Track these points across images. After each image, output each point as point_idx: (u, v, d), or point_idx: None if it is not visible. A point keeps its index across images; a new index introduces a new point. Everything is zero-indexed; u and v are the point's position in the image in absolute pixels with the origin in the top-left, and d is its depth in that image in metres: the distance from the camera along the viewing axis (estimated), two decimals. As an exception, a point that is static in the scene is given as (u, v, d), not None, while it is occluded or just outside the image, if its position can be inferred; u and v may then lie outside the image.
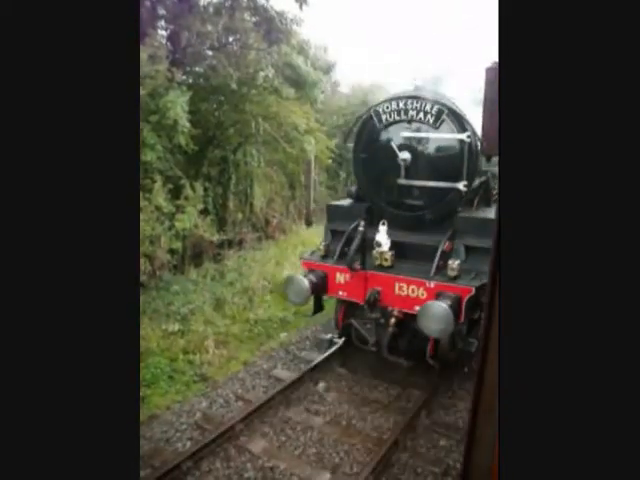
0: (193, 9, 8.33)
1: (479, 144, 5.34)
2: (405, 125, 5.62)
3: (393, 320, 5.42)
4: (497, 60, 2.26)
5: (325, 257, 5.98)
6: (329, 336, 6.97)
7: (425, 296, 5.12)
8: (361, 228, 5.51)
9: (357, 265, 5.48)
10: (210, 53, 9.23)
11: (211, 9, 8.83)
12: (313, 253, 6.23)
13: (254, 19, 9.10)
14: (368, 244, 5.53)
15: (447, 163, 5.58)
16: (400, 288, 5.31)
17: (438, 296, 4.96)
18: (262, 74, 9.62)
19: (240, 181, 11.15)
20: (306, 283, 5.58)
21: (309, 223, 14.24)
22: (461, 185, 5.39)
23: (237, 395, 5.83)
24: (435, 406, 5.62)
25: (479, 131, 3.68)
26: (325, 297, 6.20)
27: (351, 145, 6.25)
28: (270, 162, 12.44)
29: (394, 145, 5.63)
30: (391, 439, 4.84)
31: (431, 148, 5.68)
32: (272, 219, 12.69)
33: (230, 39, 9.53)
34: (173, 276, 8.82)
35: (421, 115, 5.47)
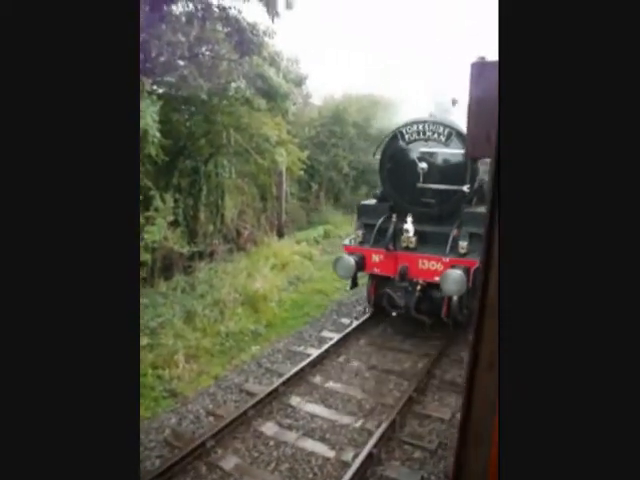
0: (164, 18, 8.25)
1: (481, 163, 7.14)
2: (423, 142, 7.45)
3: (418, 287, 7.16)
4: (482, 55, 2.07)
5: (362, 243, 7.77)
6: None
7: (442, 268, 6.83)
8: (394, 220, 7.45)
9: (391, 247, 7.21)
10: (181, 63, 9.14)
11: (183, 19, 8.75)
12: (350, 241, 8.00)
13: (226, 30, 9.06)
14: (397, 232, 7.31)
15: (454, 171, 7.31)
16: (423, 263, 7.08)
17: (452, 267, 6.67)
18: (233, 85, 9.57)
19: (211, 192, 11.04)
20: (352, 261, 7.29)
21: (281, 234, 14.17)
22: (465, 188, 7.14)
23: (208, 410, 5.69)
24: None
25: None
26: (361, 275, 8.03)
27: (377, 157, 8.11)
28: (241, 173, 12.37)
29: (415, 157, 7.44)
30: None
31: (442, 160, 7.47)
32: (243, 231, 12.58)
33: (201, 49, 9.47)
34: (142, 289, 8.62)
35: (435, 135, 7.32)
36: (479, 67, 1.95)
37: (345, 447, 5.03)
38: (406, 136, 7.59)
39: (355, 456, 4.76)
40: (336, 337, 7.63)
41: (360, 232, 7.89)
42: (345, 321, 8.64)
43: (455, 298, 7.01)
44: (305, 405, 5.84)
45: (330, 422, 5.48)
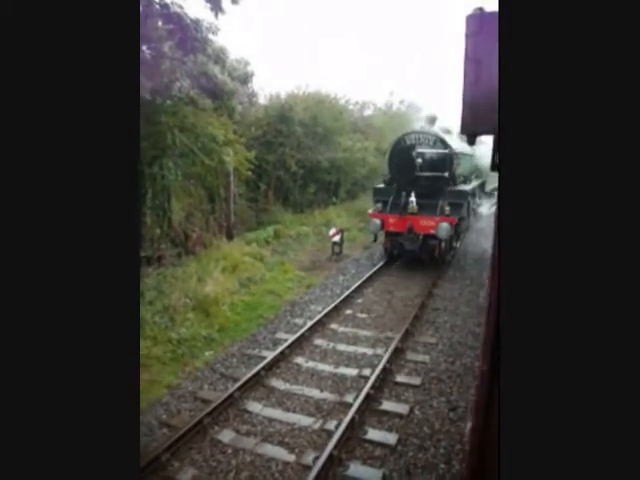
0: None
1: (455, 157, 11.90)
2: (418, 145, 11.65)
3: (420, 237, 11.49)
4: (480, 6, 1.64)
5: (381, 211, 11.97)
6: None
7: (435, 224, 11.13)
8: (404, 194, 11.55)
9: (402, 212, 11.51)
10: (121, 61, 8.75)
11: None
12: (373, 210, 12.23)
13: (168, 27, 8.77)
14: (404, 203, 11.55)
15: (438, 164, 11.54)
16: (422, 222, 11.36)
17: (442, 223, 11.00)
18: (177, 84, 9.29)
19: (157, 195, 10.68)
20: (378, 222, 11.79)
21: (230, 236, 13.92)
22: (446, 174, 11.50)
23: (161, 421, 5.48)
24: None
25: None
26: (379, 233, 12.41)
27: (386, 154, 13.26)
28: (188, 175, 12.04)
29: (414, 155, 11.47)
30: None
31: (430, 157, 11.63)
32: (192, 234, 12.26)
33: (142, 47, 9.13)
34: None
35: (426, 141, 11.74)
36: (477, 21, 1.62)
37: (305, 450, 4.98)
38: (407, 141, 11.92)
39: (316, 458, 4.71)
40: (290, 338, 7.56)
41: (379, 205, 12.06)
42: (298, 321, 8.58)
43: (443, 244, 11.64)
44: (262, 409, 5.74)
45: (289, 425, 5.41)
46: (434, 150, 11.54)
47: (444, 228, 10.95)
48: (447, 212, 11.16)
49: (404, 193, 11.52)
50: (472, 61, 1.61)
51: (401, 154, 11.81)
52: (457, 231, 12.45)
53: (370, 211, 12.39)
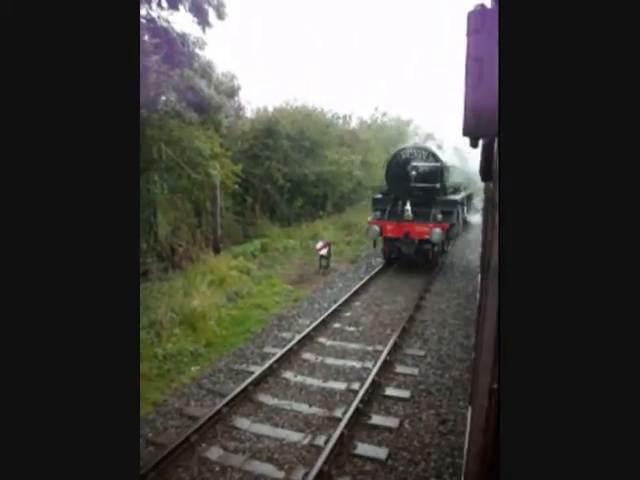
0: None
1: (445, 169, 13.09)
2: (413, 159, 12.91)
3: (415, 242, 12.63)
4: (482, 2, 1.56)
5: (379, 219, 13.15)
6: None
7: (428, 230, 12.30)
8: (400, 203, 12.72)
9: (399, 219, 12.64)
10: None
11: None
12: (372, 218, 13.47)
13: (154, 41, 8.78)
14: (400, 211, 12.69)
15: (430, 176, 12.75)
16: (417, 228, 12.49)
17: (434, 229, 12.16)
18: (163, 98, 9.27)
19: (143, 209, 10.60)
20: (377, 228, 12.95)
21: (217, 250, 13.85)
22: (437, 185, 12.70)
23: (147, 440, 5.37)
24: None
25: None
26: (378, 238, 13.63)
27: (384, 168, 13.96)
28: (174, 189, 12.00)
29: (409, 168, 12.62)
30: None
31: (423, 170, 12.79)
32: (178, 248, 12.18)
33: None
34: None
35: (419, 155, 13.00)
36: (478, 17, 1.51)
37: (294, 466, 4.90)
38: (402, 155, 13.25)
39: (305, 475, 4.64)
40: (279, 352, 7.49)
41: (378, 213, 13.35)
42: (286, 335, 8.52)
43: (436, 248, 12.87)
44: (250, 425, 5.66)
45: (277, 441, 5.34)
46: (427, 163, 12.83)
47: (437, 233, 12.24)
48: (439, 219, 12.48)
49: (400, 202, 12.73)
50: (474, 60, 1.51)
51: (397, 167, 13.08)
52: (448, 236, 13.68)
53: (369, 219, 13.62)
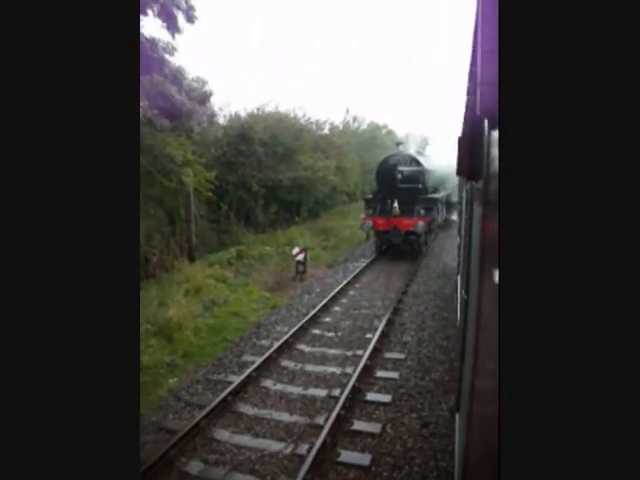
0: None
1: (426, 172, 15.87)
2: (398, 164, 15.36)
3: (402, 233, 14.94)
4: None
5: (371, 215, 15.56)
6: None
7: (413, 222, 14.65)
8: (389, 201, 14.90)
9: (388, 215, 14.89)
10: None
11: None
12: (364, 214, 16.02)
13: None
14: (389, 208, 14.87)
15: (413, 178, 15.19)
16: (404, 222, 14.75)
17: (418, 222, 14.66)
18: (134, 104, 9.10)
19: (114, 218, 10.36)
20: (371, 223, 15.32)
21: (192, 258, 13.63)
22: (420, 186, 15.34)
23: (124, 455, 5.19)
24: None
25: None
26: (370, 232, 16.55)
27: (374, 172, 16.64)
28: (146, 197, 11.76)
29: (396, 172, 15.07)
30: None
31: (407, 173, 15.16)
32: (152, 257, 11.94)
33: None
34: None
35: (404, 161, 15.59)
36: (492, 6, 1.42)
37: (277, 477, 4.80)
38: (390, 161, 15.76)
39: (288, 485, 4.55)
40: (257, 361, 7.38)
41: (370, 210, 15.83)
42: (265, 343, 8.40)
43: (421, 238, 15.53)
44: (231, 437, 5.53)
45: (259, 452, 5.23)
46: (410, 168, 15.40)
47: (421, 225, 14.71)
48: (422, 214, 15.10)
49: (389, 201, 15.03)
50: (487, 53, 1.46)
51: (386, 171, 15.60)
52: (430, 228, 16.52)
53: (362, 216, 16.33)
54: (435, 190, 17.66)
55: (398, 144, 17.56)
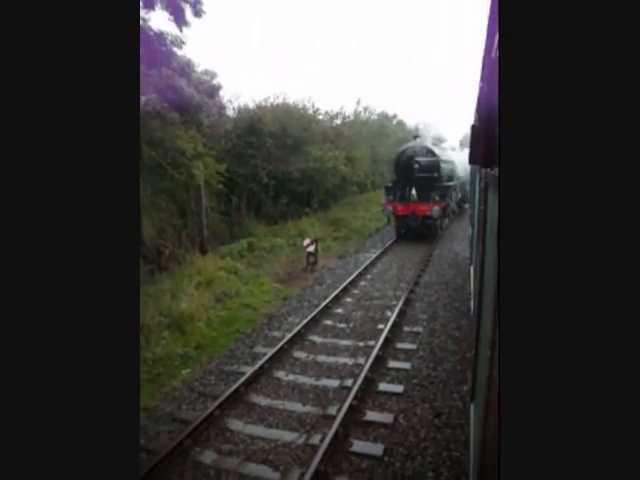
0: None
1: (441, 162, 17.69)
2: (415, 155, 17.02)
3: (420, 218, 16.78)
4: None
5: (391, 201, 17.23)
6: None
7: (430, 208, 16.37)
8: (407, 189, 16.71)
9: (407, 201, 16.72)
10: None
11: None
12: (386, 201, 17.56)
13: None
14: (407, 195, 16.70)
15: (430, 168, 16.91)
16: (421, 207, 16.56)
17: (434, 207, 16.39)
18: (143, 98, 9.11)
19: (126, 211, 10.43)
20: (391, 208, 17.04)
21: (204, 251, 13.70)
22: (435, 174, 16.99)
23: (140, 446, 5.27)
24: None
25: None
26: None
27: (393, 163, 18.49)
28: (158, 190, 11.82)
29: (413, 162, 16.72)
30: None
31: (424, 163, 16.83)
32: (164, 250, 12.02)
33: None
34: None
35: (421, 152, 17.25)
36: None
37: (290, 467, 4.84)
38: (408, 152, 17.22)
39: (302, 475, 4.58)
40: (269, 352, 7.42)
41: (390, 197, 17.29)
42: (277, 334, 8.44)
43: (437, 222, 17.28)
44: (244, 427, 5.59)
45: (272, 442, 5.27)
46: (426, 158, 17.03)
47: (436, 210, 16.32)
48: (437, 200, 16.75)
49: (407, 188, 16.73)
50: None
51: (404, 162, 17.17)
52: (445, 213, 18.41)
53: (383, 202, 18.19)
54: (449, 178, 19.26)
55: (415, 137, 18.84)
